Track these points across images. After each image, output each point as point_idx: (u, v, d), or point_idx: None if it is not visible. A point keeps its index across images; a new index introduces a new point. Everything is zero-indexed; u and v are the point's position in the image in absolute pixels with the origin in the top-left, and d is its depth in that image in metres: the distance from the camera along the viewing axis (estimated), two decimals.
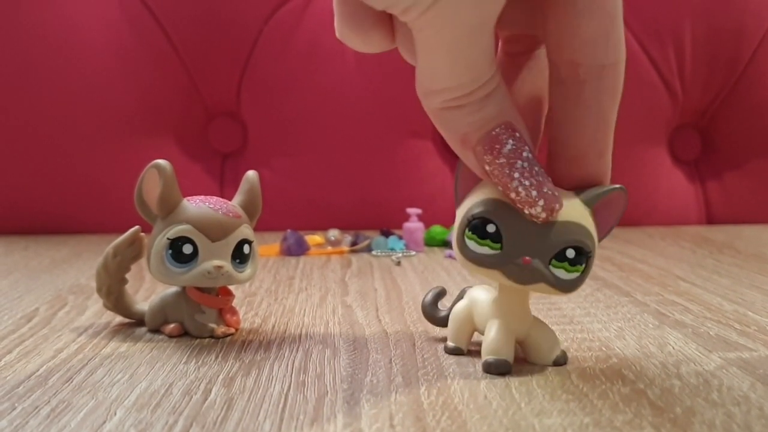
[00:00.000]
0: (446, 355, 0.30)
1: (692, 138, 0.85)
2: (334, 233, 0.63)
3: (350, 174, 0.78)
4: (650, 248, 0.62)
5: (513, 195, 0.25)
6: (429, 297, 0.34)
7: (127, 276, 0.35)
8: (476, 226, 0.26)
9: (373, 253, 0.60)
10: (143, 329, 0.35)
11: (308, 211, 0.77)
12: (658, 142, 0.83)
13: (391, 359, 0.30)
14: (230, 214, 0.33)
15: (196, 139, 0.79)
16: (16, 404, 0.25)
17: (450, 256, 0.58)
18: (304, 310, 0.39)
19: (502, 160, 0.25)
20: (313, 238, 0.63)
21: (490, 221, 0.26)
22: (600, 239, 0.27)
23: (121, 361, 0.30)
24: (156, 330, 0.34)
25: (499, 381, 0.27)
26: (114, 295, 0.35)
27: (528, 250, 0.26)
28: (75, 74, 0.74)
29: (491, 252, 0.26)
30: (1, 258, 0.59)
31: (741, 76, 0.81)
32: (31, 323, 0.36)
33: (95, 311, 0.39)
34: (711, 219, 0.83)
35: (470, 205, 0.27)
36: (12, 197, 0.75)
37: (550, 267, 0.26)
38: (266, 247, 0.59)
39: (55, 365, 0.29)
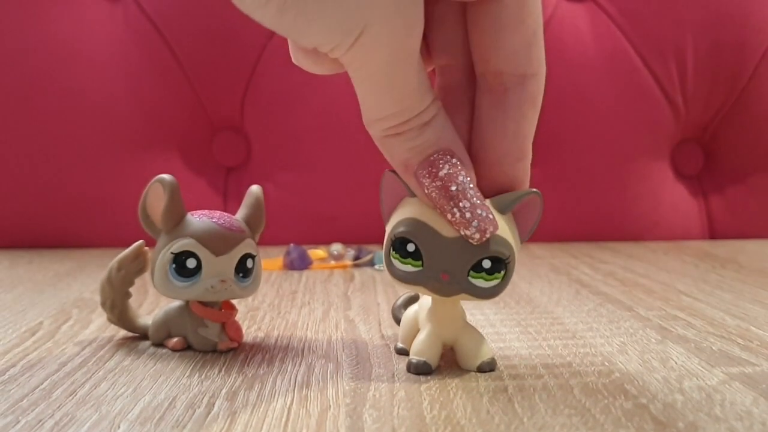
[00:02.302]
0: (449, 370, 0.30)
1: (695, 153, 0.85)
2: (337, 247, 0.63)
3: (353, 188, 0.78)
4: (653, 263, 0.62)
5: (449, 216, 0.27)
6: (399, 301, 0.37)
7: (131, 290, 0.36)
8: (398, 246, 0.28)
9: (376, 267, 0.60)
10: (147, 343, 0.35)
11: (311, 226, 0.77)
12: (661, 157, 0.83)
13: (393, 373, 0.30)
14: (234, 229, 0.33)
15: (200, 153, 0.79)
16: (20, 418, 0.25)
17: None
18: (307, 324, 0.40)
19: (439, 183, 0.27)
20: (316, 253, 0.63)
21: (410, 240, 0.28)
22: (522, 241, 0.29)
23: (124, 374, 0.30)
24: (159, 344, 0.35)
25: (502, 396, 0.27)
26: (118, 308, 0.35)
27: (446, 267, 0.27)
28: (79, 89, 0.75)
29: (414, 269, 0.28)
30: (6, 271, 0.59)
31: (743, 90, 0.82)
32: (35, 337, 0.36)
33: (99, 325, 0.39)
34: (714, 234, 0.83)
35: (394, 223, 0.28)
36: (16, 211, 0.75)
37: (469, 278, 0.27)
38: (269, 261, 0.59)
39: (59, 378, 0.29)
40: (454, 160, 0.27)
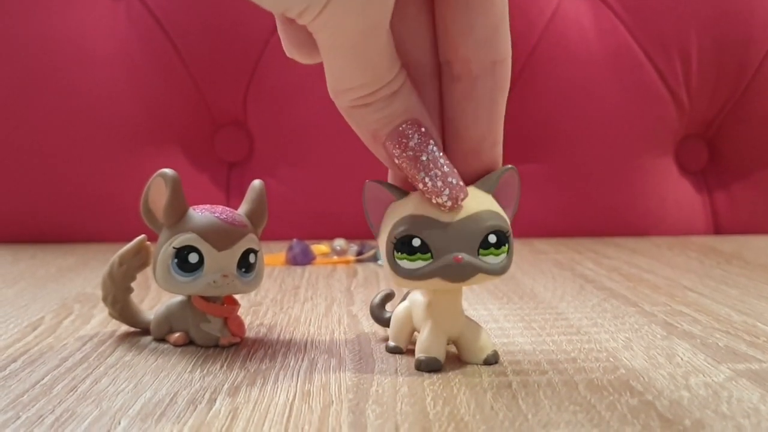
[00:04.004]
0: (452, 366, 0.30)
1: (699, 148, 0.84)
2: (339, 243, 0.63)
3: (356, 184, 0.77)
4: (657, 258, 0.62)
5: (420, 186, 0.27)
6: (377, 299, 0.36)
7: (133, 285, 0.35)
8: (403, 245, 0.28)
9: (379, 262, 0.60)
10: (148, 338, 0.35)
11: (314, 221, 0.77)
12: (665, 153, 0.82)
13: (396, 369, 0.30)
14: (236, 224, 0.33)
15: (203, 148, 0.79)
16: (21, 413, 0.25)
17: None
18: (310, 319, 0.39)
19: (409, 153, 0.27)
20: (319, 248, 0.62)
21: (413, 236, 0.27)
22: (509, 219, 0.29)
23: (125, 370, 0.30)
24: (161, 339, 0.34)
25: (506, 392, 0.27)
26: (119, 303, 0.35)
27: (455, 249, 0.27)
28: (82, 84, 0.75)
29: (425, 263, 0.27)
30: (8, 266, 0.59)
31: (747, 86, 0.81)
32: (36, 332, 0.36)
33: (101, 320, 0.39)
34: (718, 229, 0.83)
35: (389, 228, 0.28)
36: (19, 206, 0.75)
37: (480, 257, 0.27)
38: (272, 257, 0.59)
39: (60, 374, 0.29)
40: (423, 129, 0.27)
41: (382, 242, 0.29)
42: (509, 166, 0.29)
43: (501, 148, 0.29)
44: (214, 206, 0.33)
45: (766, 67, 0.81)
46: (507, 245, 0.28)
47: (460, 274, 0.27)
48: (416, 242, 0.27)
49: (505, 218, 0.28)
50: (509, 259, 0.28)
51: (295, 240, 0.61)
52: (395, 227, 0.28)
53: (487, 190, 0.28)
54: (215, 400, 0.26)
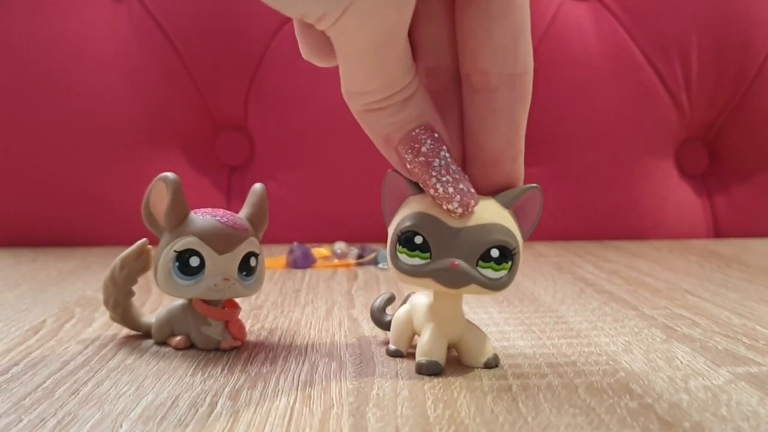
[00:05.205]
0: (453, 369, 0.30)
1: (699, 151, 0.85)
2: (340, 246, 0.63)
3: (357, 187, 0.78)
4: (658, 262, 0.62)
5: (432, 192, 0.27)
6: (378, 302, 0.36)
7: (134, 288, 0.36)
8: (406, 240, 0.28)
9: (380, 266, 0.60)
10: (150, 342, 0.35)
11: (314, 224, 0.77)
12: (665, 156, 0.83)
13: (397, 372, 0.30)
14: (237, 227, 0.33)
15: (204, 152, 0.79)
16: (23, 416, 0.25)
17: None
18: (311, 323, 0.39)
19: (421, 159, 0.27)
20: (320, 251, 0.63)
21: (417, 233, 0.27)
22: (524, 237, 0.29)
23: (127, 373, 0.30)
24: (162, 342, 0.35)
25: (506, 395, 0.27)
26: (121, 307, 0.35)
27: (454, 255, 0.27)
28: (83, 88, 0.75)
29: (422, 262, 0.28)
30: (9, 270, 0.59)
31: (748, 89, 0.81)
32: (38, 335, 0.36)
33: (102, 323, 0.39)
34: (719, 232, 0.83)
35: (398, 220, 0.28)
36: (20, 209, 0.75)
37: (478, 268, 0.27)
38: (273, 260, 0.59)
39: (62, 377, 0.29)
40: (435, 135, 0.27)
41: (391, 232, 0.29)
42: (534, 185, 0.29)
43: (522, 161, 0.29)
44: (215, 210, 0.33)
45: (766, 70, 0.81)
46: (511, 262, 0.28)
47: (454, 280, 0.27)
48: (418, 240, 0.28)
49: (515, 235, 0.28)
50: (510, 277, 0.28)
51: (295, 243, 0.61)
52: (403, 221, 0.28)
53: (507, 204, 0.28)
54: (216, 404, 0.26)
